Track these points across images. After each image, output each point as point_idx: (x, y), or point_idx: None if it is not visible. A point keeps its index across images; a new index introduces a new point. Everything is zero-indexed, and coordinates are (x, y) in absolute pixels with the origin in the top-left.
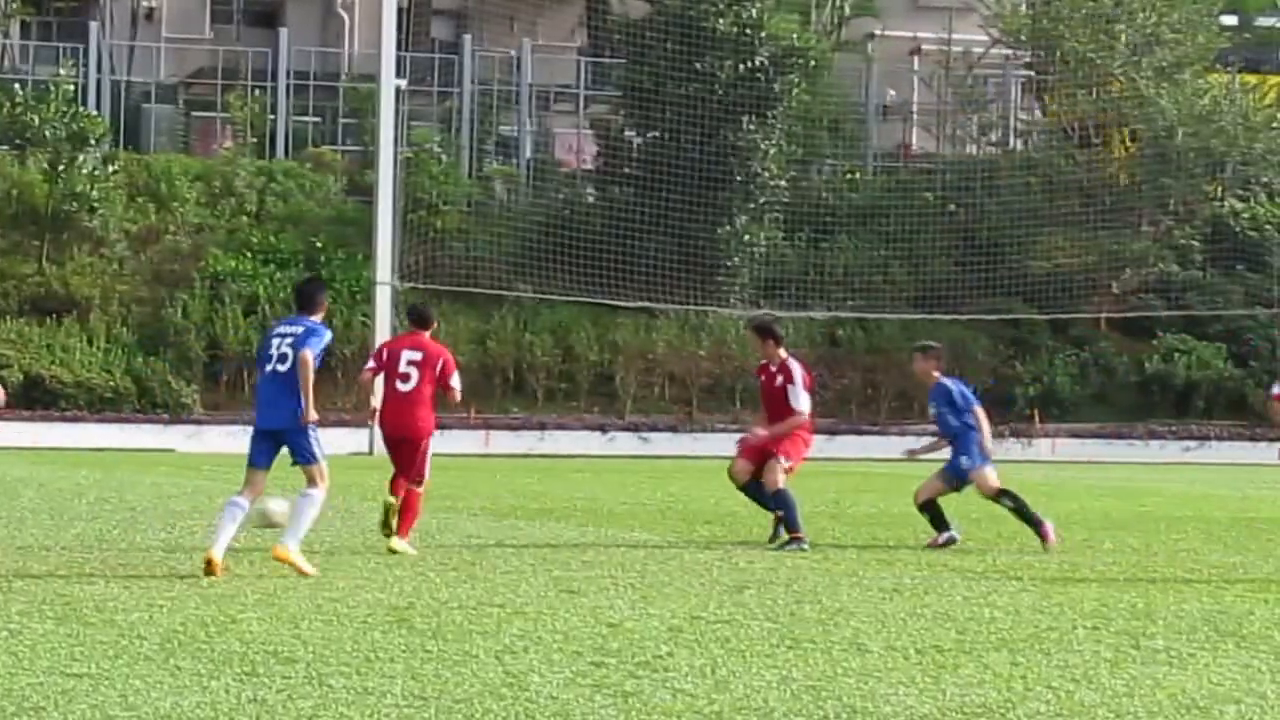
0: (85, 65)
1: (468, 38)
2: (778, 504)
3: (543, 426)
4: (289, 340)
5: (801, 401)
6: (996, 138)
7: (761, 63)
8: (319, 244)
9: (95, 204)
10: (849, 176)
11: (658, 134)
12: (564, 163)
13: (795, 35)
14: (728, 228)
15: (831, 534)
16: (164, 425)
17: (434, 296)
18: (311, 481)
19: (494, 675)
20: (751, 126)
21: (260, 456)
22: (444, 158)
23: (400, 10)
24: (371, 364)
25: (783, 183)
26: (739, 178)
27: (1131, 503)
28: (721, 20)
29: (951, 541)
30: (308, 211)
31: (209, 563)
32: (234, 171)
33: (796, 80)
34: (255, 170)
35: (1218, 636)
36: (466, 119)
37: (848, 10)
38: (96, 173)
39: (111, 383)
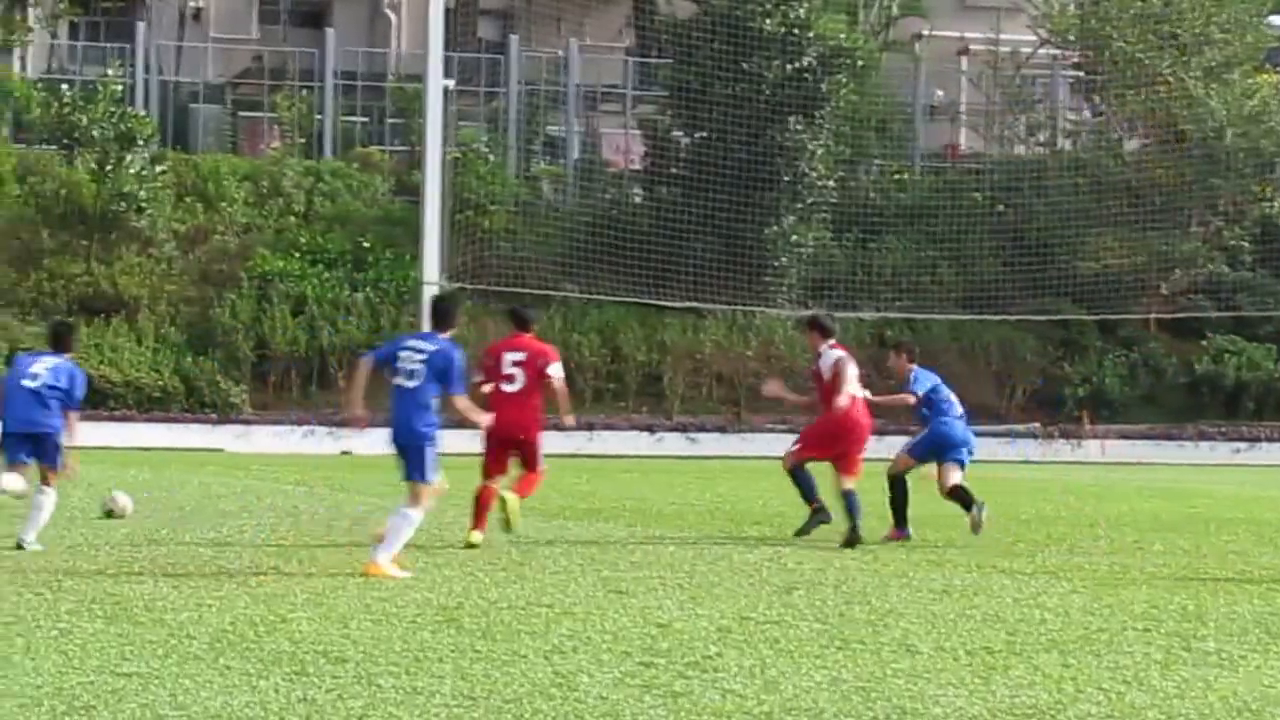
0: (133, 66)
1: (514, 38)
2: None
3: (590, 427)
4: (421, 358)
5: (845, 391)
6: (1044, 138)
7: (809, 63)
8: (366, 244)
9: (143, 204)
10: (897, 177)
11: (705, 134)
12: (611, 163)
13: (843, 35)
14: (775, 228)
15: (880, 535)
16: (212, 425)
17: (481, 296)
18: (414, 499)
19: (543, 675)
20: (799, 127)
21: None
22: (491, 158)
23: (447, 10)
24: (480, 375)
25: (830, 183)
26: (786, 178)
27: (1181, 504)
28: (769, 20)
29: (982, 510)
30: (355, 211)
31: (367, 569)
32: (281, 172)
33: (844, 80)
34: (303, 170)
35: (1269, 639)
36: (513, 119)
37: (895, 10)
38: (144, 173)
39: (160, 382)
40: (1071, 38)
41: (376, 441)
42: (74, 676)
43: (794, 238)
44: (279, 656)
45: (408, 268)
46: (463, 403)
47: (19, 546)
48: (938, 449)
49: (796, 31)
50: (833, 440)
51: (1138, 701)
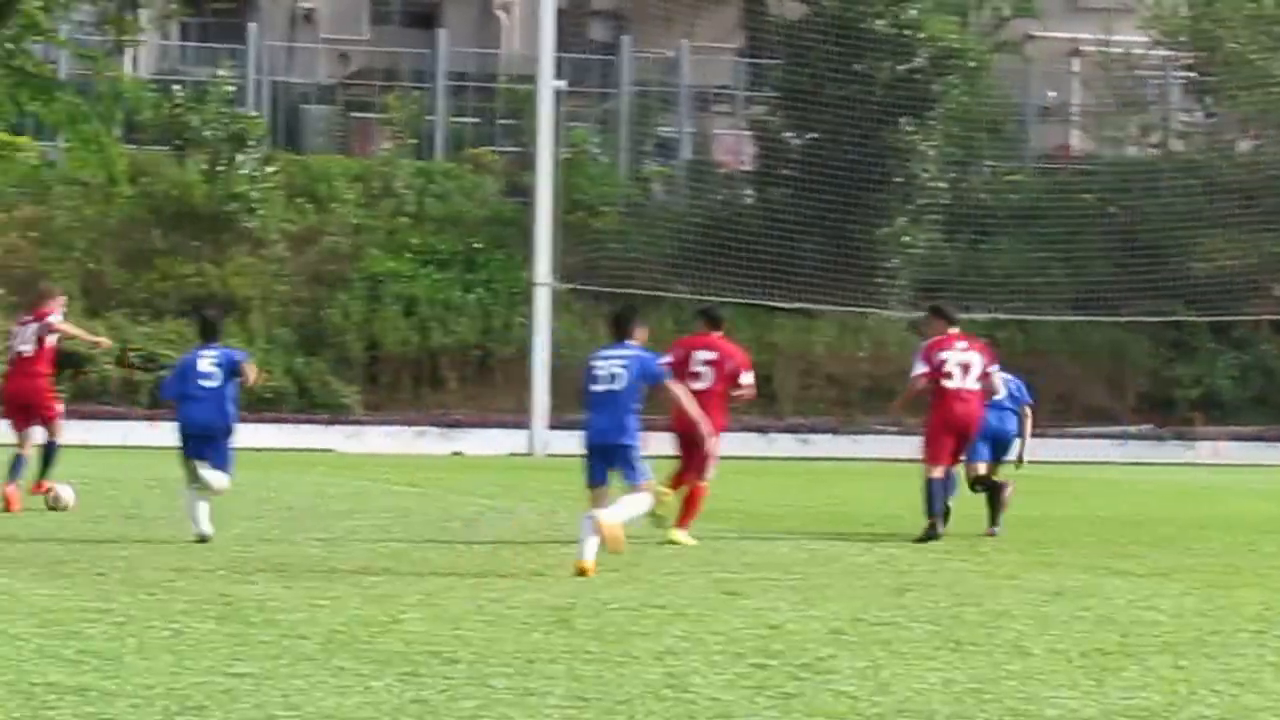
0: (244, 66)
1: (626, 38)
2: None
3: None
4: (620, 363)
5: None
6: (1156, 139)
7: (920, 64)
8: (477, 245)
9: (254, 204)
10: (1008, 178)
11: (816, 135)
12: (722, 164)
13: (954, 36)
14: (886, 229)
15: (993, 537)
16: (323, 425)
17: (592, 297)
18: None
19: (655, 676)
20: (910, 128)
21: (598, 474)
22: (602, 159)
23: (559, 11)
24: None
25: (942, 184)
26: (898, 179)
27: None
28: (879, 21)
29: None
30: (466, 212)
31: (582, 569)
32: (393, 172)
33: (955, 81)
34: (414, 171)
35: None
36: (624, 120)
37: (1007, 11)
38: (255, 174)
39: (270, 382)
40: (1183, 39)
41: (487, 442)
42: (186, 676)
43: (905, 239)
44: (391, 657)
45: (519, 268)
46: (671, 394)
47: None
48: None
49: (908, 32)
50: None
51: (1251, 703)
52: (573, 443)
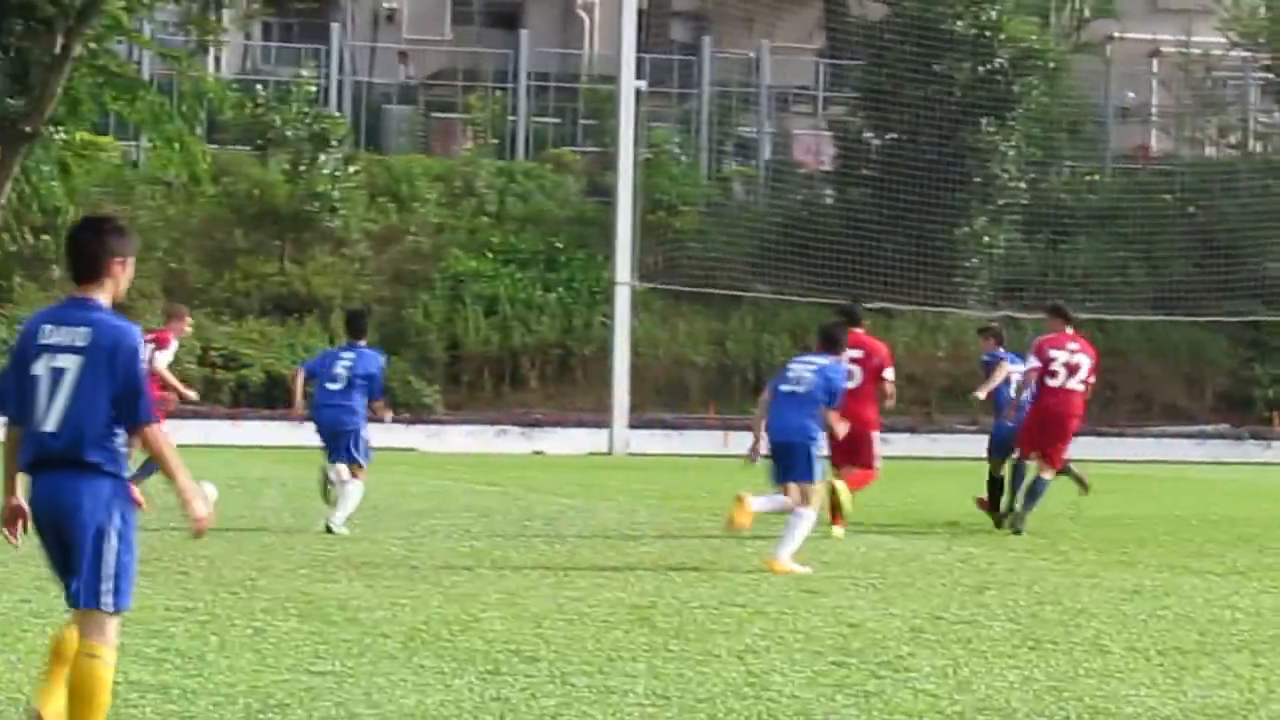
0: (326, 66)
1: (707, 39)
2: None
3: None
4: (811, 368)
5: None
6: (1235, 140)
7: (1000, 64)
8: (558, 244)
9: (336, 204)
10: (1088, 178)
11: (896, 135)
12: (802, 164)
13: (1034, 37)
14: (966, 229)
15: (1071, 535)
16: (405, 425)
17: (672, 296)
18: (804, 499)
19: (736, 675)
20: (990, 128)
21: (781, 474)
22: (683, 158)
23: (640, 12)
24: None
25: (1021, 184)
26: (977, 179)
27: None
28: (960, 22)
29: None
30: (547, 212)
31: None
32: (474, 172)
33: (1035, 82)
34: (496, 171)
35: None
36: (704, 120)
37: (1087, 12)
38: (337, 173)
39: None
40: (1262, 40)
41: (568, 441)
42: (268, 675)
43: (985, 239)
44: (472, 655)
45: (600, 268)
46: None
47: (328, 530)
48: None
49: (988, 33)
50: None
51: None
52: (653, 442)
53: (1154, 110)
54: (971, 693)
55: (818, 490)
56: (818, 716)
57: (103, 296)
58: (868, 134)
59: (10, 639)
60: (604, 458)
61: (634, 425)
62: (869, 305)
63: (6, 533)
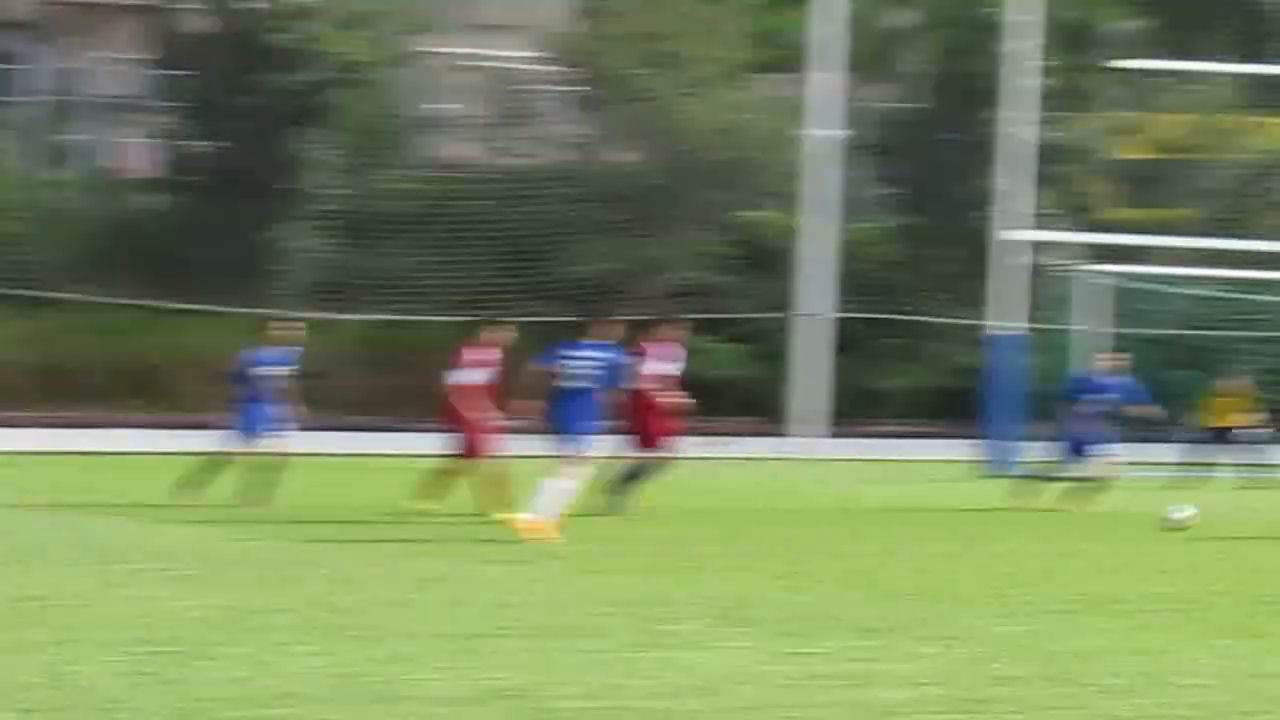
0: None
1: (40, 49)
2: None
3: None
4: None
5: None
6: (534, 149)
7: (320, 77)
8: None
9: None
10: (401, 185)
11: (225, 144)
12: (133, 170)
13: (350, 50)
14: (284, 234)
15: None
16: None
17: None
18: None
19: (44, 664)
20: (308, 138)
21: None
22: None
23: None
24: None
25: (337, 191)
26: (295, 186)
27: None
28: (282, 35)
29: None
30: None
31: None
32: None
33: (352, 93)
34: None
35: None
36: (31, 127)
37: (403, 28)
38: None
39: None
40: (567, 55)
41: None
42: None
43: (301, 243)
44: None
45: None
46: None
47: None
48: None
49: (309, 46)
50: None
51: None
52: None
53: (466, 121)
54: (276, 678)
55: None
56: (124, 703)
57: None
58: (198, 142)
59: None
60: None
61: None
62: (199, 308)
63: None
